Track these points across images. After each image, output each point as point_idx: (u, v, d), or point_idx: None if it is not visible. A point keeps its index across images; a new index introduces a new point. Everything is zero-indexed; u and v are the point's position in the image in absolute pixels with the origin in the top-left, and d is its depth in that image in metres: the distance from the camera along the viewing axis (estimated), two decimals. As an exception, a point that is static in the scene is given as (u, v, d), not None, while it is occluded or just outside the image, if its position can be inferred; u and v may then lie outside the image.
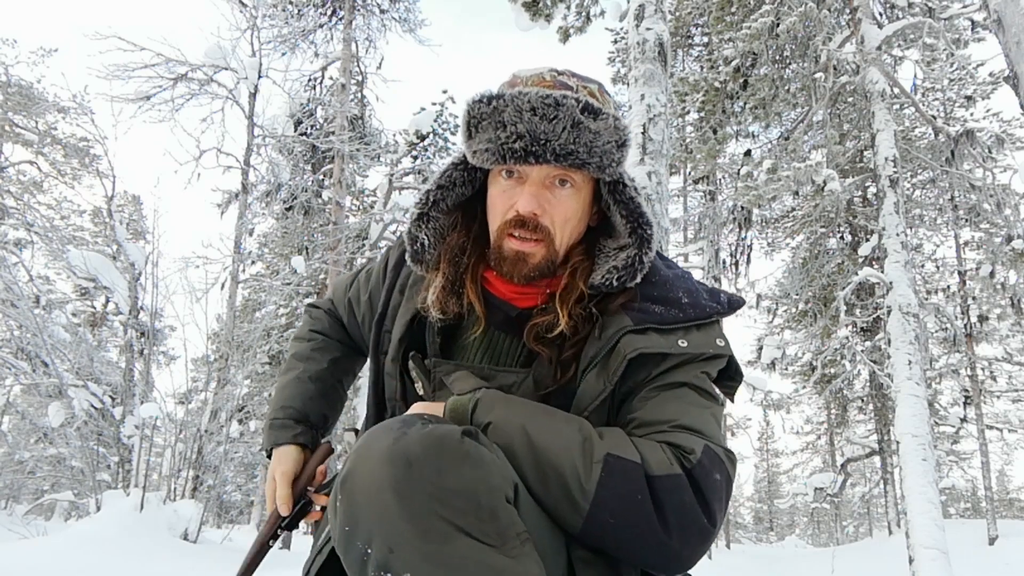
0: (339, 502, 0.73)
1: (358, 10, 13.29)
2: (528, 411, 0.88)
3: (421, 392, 1.06)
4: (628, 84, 4.54)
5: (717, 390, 0.99)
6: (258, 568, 1.11)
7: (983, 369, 14.36)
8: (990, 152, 9.41)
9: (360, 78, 13.68)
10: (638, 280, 0.98)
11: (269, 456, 1.21)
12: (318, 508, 1.15)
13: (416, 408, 0.93)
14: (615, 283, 0.97)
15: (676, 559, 0.84)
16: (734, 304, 1.02)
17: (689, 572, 0.94)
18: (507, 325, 1.03)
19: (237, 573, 1.08)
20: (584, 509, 0.81)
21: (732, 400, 1.04)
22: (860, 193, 14.05)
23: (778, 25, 8.81)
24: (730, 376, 1.02)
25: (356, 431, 1.16)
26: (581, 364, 0.96)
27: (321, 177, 13.89)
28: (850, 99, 11.48)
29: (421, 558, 0.68)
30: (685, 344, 0.94)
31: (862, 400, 17.09)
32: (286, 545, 13.64)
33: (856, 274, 9.12)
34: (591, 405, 0.93)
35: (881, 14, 9.66)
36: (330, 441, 1.23)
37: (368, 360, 1.15)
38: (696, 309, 0.98)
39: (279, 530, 1.13)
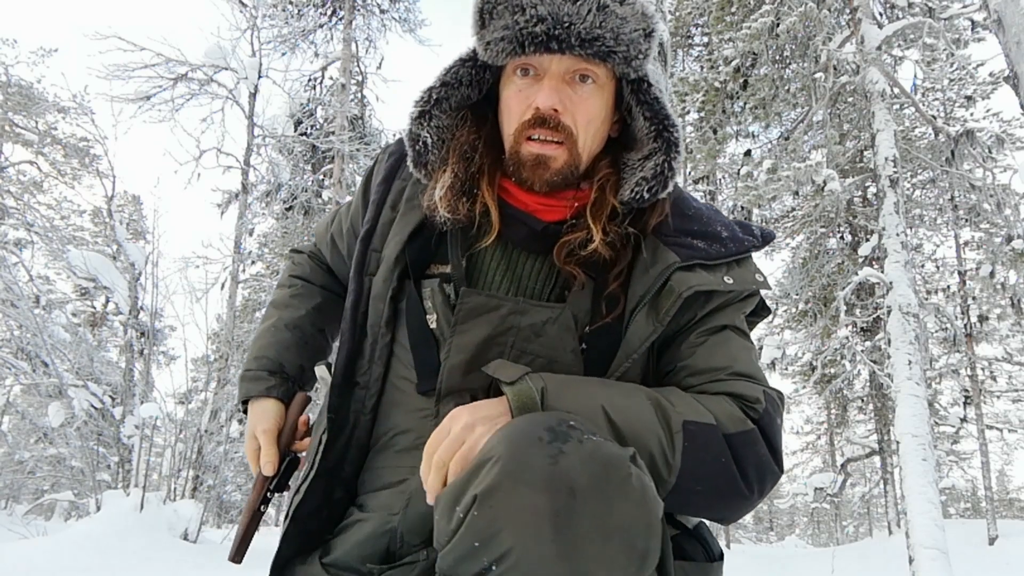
0: (473, 515, 0.65)
1: (358, 10, 13.28)
2: (597, 390, 0.81)
3: (434, 325, 0.92)
4: (628, 84, 4.53)
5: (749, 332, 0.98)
6: (253, 538, 1.05)
7: (983, 369, 14.36)
8: (990, 152, 9.41)
9: (360, 78, 13.68)
10: (669, 189, 0.92)
11: (245, 412, 1.12)
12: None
13: (463, 411, 0.79)
14: (646, 195, 0.90)
15: (750, 507, 0.84)
16: (767, 237, 0.99)
17: None
18: (530, 242, 0.93)
19: (232, 547, 1.03)
20: (670, 483, 0.77)
21: (751, 330, 1.02)
22: (860, 193, 14.05)
23: (778, 25, 8.80)
24: (756, 312, 0.99)
25: (329, 365, 1.07)
26: (629, 303, 0.89)
27: (321, 177, 13.88)
28: (850, 99, 11.48)
29: None
30: (731, 281, 0.90)
31: (862, 400, 17.09)
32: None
33: (856, 274, 9.12)
34: (640, 348, 0.88)
35: (881, 14, 9.65)
36: (306, 391, 1.15)
37: (349, 282, 1.03)
38: (736, 243, 0.94)
39: (268, 493, 1.04)
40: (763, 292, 0.99)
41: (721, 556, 0.94)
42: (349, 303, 1.01)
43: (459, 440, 0.75)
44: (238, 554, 1.02)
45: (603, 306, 0.89)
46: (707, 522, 0.95)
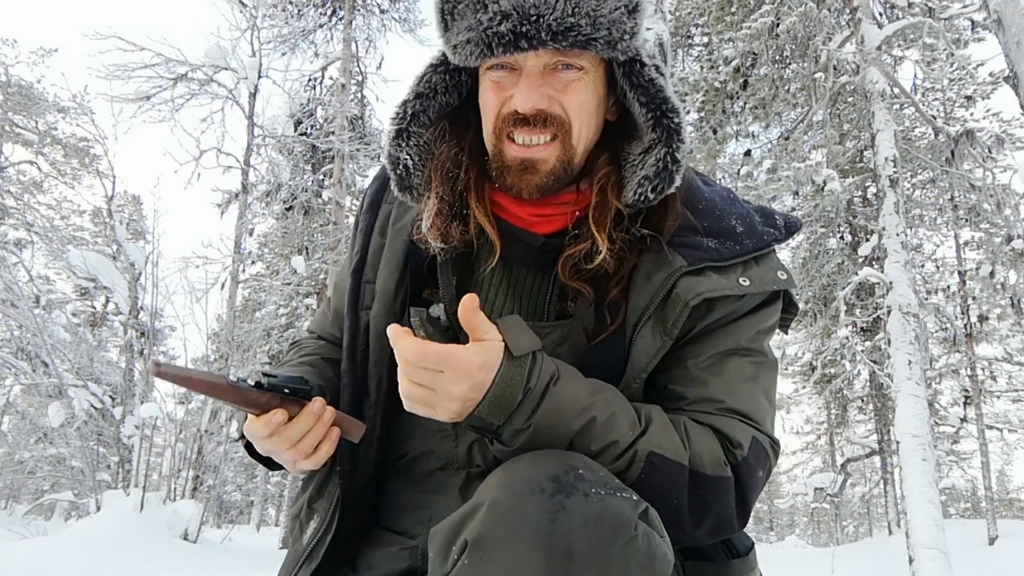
0: (464, 563, 0.61)
1: (358, 10, 13.28)
2: (580, 412, 0.73)
3: None
4: (628, 84, 4.54)
5: (768, 344, 0.87)
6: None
7: (983, 369, 14.36)
8: (990, 152, 9.41)
9: (360, 78, 13.69)
10: (676, 184, 0.81)
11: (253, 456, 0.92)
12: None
13: (463, 361, 0.70)
14: (650, 195, 0.80)
15: (694, 544, 0.79)
16: (791, 227, 0.88)
17: None
18: (530, 258, 0.85)
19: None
20: None
21: (786, 332, 0.93)
22: (860, 193, 14.05)
23: (778, 25, 8.80)
24: (785, 308, 0.89)
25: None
26: (631, 316, 0.79)
27: (321, 177, 13.88)
28: (850, 99, 11.48)
29: None
30: (747, 283, 0.80)
31: (862, 400, 17.09)
32: (286, 545, 13.61)
33: (856, 274, 9.12)
34: (648, 367, 0.79)
35: (881, 14, 9.65)
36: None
37: (344, 319, 0.93)
38: (754, 239, 0.83)
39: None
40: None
41: (748, 550, 0.87)
42: (346, 342, 0.92)
43: (431, 396, 0.71)
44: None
45: (607, 316, 0.81)
46: None
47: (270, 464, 0.89)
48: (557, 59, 0.78)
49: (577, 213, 0.83)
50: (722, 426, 0.78)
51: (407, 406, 0.75)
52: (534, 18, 0.73)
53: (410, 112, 0.87)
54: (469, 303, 0.71)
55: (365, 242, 0.94)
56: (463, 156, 0.86)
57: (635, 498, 0.65)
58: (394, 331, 0.72)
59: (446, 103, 0.89)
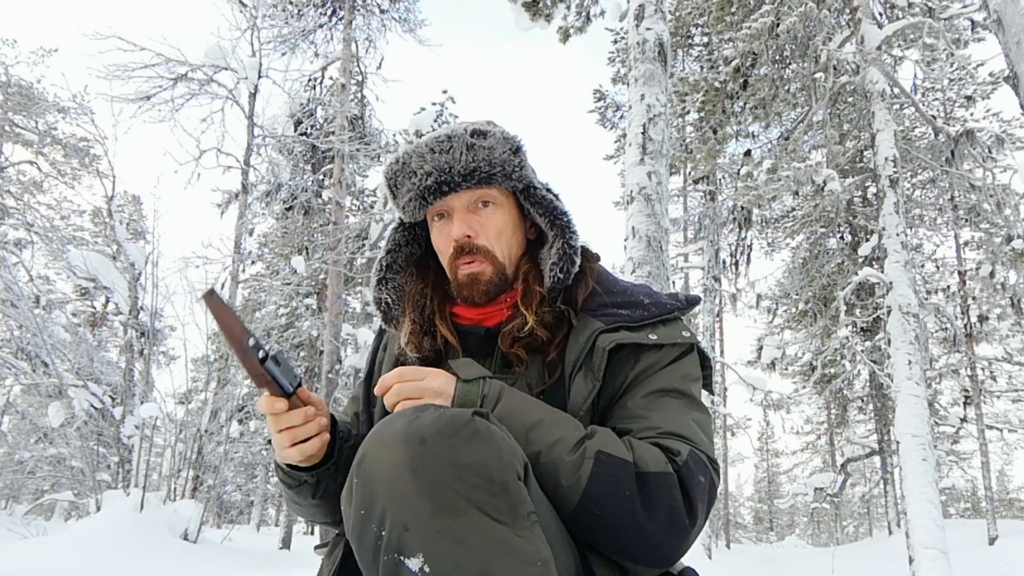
0: (355, 485, 0.75)
1: (358, 10, 13.28)
2: (529, 412, 0.91)
3: None
4: (628, 84, 4.55)
5: (699, 394, 1.03)
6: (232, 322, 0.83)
7: (983, 369, 14.36)
8: (990, 152, 9.41)
9: (360, 78, 13.67)
10: (576, 264, 1.07)
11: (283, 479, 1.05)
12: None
13: (442, 378, 0.95)
14: (560, 275, 1.06)
15: (657, 550, 0.88)
16: (691, 301, 1.10)
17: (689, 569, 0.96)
18: (480, 347, 1.08)
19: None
20: (573, 501, 0.85)
21: (709, 391, 1.10)
22: (860, 193, 14.05)
23: (778, 25, 8.80)
24: (702, 366, 1.07)
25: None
26: (567, 370, 1.01)
27: (321, 177, 13.88)
28: (850, 99, 11.48)
29: (434, 534, 0.70)
30: (655, 337, 1.01)
31: (862, 400, 17.10)
32: (286, 545, 13.63)
33: (856, 274, 9.12)
34: (584, 405, 0.98)
35: (881, 14, 9.65)
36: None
37: (361, 415, 1.18)
38: (659, 307, 1.05)
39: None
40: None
41: None
42: (363, 433, 1.13)
43: (419, 394, 0.92)
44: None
45: (546, 373, 1.02)
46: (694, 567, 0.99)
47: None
48: (474, 196, 1.06)
49: (511, 302, 1.08)
50: (661, 441, 0.93)
51: None
52: (448, 170, 1.02)
53: (385, 264, 1.16)
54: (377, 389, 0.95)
55: (373, 357, 1.24)
56: (428, 289, 1.14)
57: (474, 408, 0.81)
58: (380, 381, 0.95)
59: (411, 253, 1.18)
